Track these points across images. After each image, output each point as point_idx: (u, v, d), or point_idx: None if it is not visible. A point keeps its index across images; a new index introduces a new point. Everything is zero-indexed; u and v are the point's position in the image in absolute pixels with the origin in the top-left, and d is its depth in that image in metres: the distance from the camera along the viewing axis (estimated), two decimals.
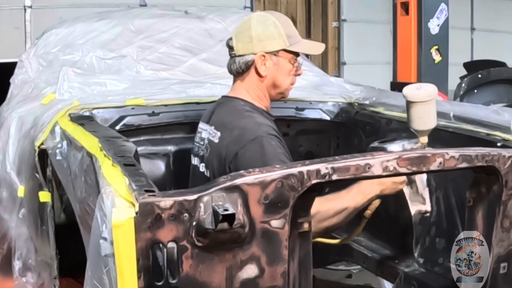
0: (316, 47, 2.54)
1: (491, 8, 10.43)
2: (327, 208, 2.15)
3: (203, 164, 2.42)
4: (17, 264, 2.80)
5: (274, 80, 2.40)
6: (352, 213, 2.23)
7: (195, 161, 2.51)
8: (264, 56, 2.35)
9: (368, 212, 2.40)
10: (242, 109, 2.37)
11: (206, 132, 2.43)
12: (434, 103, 2.39)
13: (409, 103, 2.38)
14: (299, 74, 2.47)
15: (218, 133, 2.34)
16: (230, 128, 2.31)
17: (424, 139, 2.40)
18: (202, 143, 2.45)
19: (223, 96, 2.51)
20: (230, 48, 2.41)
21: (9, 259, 2.82)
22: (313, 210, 2.04)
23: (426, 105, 2.37)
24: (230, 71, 2.45)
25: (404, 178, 2.33)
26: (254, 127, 2.27)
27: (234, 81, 2.46)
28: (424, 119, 2.38)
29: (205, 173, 2.40)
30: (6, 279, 2.85)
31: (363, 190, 2.23)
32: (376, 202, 2.37)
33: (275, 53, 2.37)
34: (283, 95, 2.48)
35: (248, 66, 2.38)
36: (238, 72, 2.41)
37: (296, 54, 2.43)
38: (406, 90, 2.40)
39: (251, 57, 2.36)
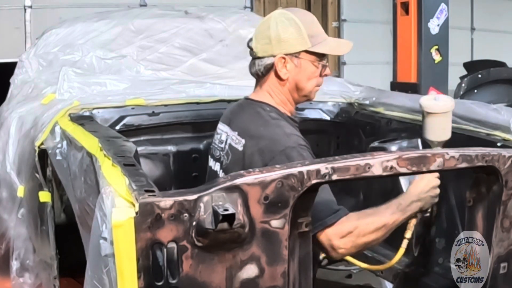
0: (341, 47, 2.35)
1: (491, 8, 10.44)
2: (366, 223, 2.02)
3: (222, 171, 2.30)
4: (14, 264, 2.79)
5: (296, 83, 2.25)
6: (390, 230, 2.09)
7: (213, 164, 2.38)
8: (284, 58, 2.21)
9: (409, 232, 2.32)
10: (268, 115, 2.22)
11: (227, 136, 2.30)
12: (451, 114, 2.34)
13: (427, 114, 2.31)
14: (326, 75, 2.30)
15: (243, 141, 2.20)
16: (257, 136, 2.17)
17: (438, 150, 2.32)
18: (222, 146, 2.31)
19: (245, 98, 2.37)
20: (250, 49, 2.27)
21: (7, 259, 2.82)
22: (351, 225, 2.00)
23: (445, 116, 2.31)
24: (251, 74, 2.31)
25: (439, 190, 2.23)
26: (283, 137, 2.12)
27: (256, 84, 2.33)
28: (441, 130, 2.32)
29: None
30: (4, 280, 2.85)
31: (403, 207, 2.11)
32: (414, 220, 2.29)
33: (296, 55, 2.21)
34: (308, 98, 2.33)
35: (267, 69, 2.24)
36: (258, 75, 2.28)
37: (320, 55, 2.26)
38: (424, 100, 2.33)
39: (271, 59, 2.22)
